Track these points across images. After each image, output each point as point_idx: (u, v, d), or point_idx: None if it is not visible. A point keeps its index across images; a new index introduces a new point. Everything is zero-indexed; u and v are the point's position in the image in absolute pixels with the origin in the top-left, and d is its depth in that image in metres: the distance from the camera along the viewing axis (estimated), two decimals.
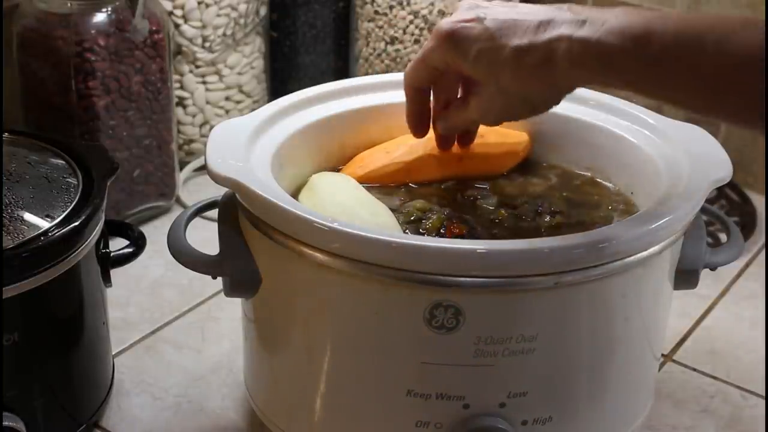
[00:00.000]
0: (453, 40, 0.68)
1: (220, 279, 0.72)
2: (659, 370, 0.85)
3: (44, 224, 0.71)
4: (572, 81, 0.66)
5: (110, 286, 0.79)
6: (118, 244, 0.80)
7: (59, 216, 0.72)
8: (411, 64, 0.73)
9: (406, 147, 0.79)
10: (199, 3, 1.10)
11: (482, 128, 0.80)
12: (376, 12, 1.14)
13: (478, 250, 0.62)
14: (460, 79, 0.74)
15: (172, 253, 0.73)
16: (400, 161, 0.79)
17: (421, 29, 1.13)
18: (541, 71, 0.65)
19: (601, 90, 0.81)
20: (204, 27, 1.11)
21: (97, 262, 0.77)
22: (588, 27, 0.62)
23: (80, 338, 0.76)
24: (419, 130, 0.77)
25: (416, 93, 0.75)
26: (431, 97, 0.76)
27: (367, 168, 0.79)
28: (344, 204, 0.71)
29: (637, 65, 0.61)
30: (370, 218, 0.70)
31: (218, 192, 0.73)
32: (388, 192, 0.78)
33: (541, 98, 0.69)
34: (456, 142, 0.79)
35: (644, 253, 0.65)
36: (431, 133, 0.80)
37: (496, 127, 0.81)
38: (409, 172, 0.79)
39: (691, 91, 0.61)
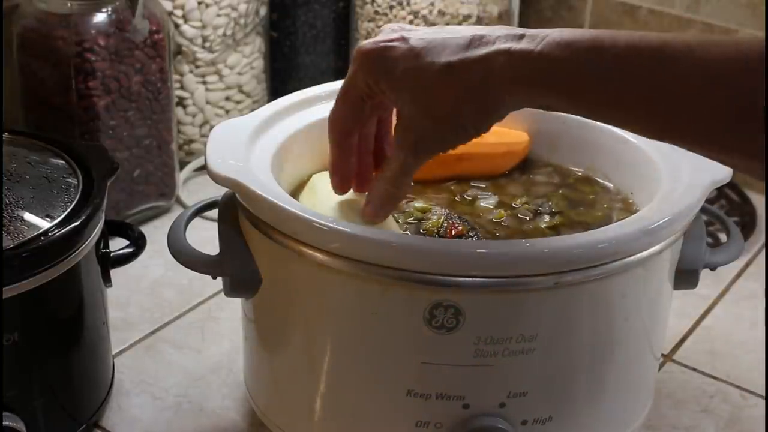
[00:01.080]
0: (375, 59, 0.62)
1: (220, 279, 0.72)
2: (659, 370, 0.85)
3: (44, 224, 0.71)
4: (508, 100, 0.59)
5: (110, 286, 0.79)
6: (118, 244, 0.80)
7: (59, 216, 0.72)
8: (334, 104, 0.67)
9: None
10: (199, 3, 1.10)
11: None
12: (376, 12, 1.15)
13: (478, 250, 0.62)
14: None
15: (172, 253, 0.73)
16: None
17: None
18: (475, 90, 0.59)
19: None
20: (204, 27, 1.11)
21: (97, 262, 0.77)
22: (527, 40, 0.57)
23: (80, 338, 0.76)
24: (342, 187, 0.70)
25: (341, 137, 0.68)
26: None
27: None
28: (343, 205, 0.71)
29: (587, 78, 0.56)
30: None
31: (218, 192, 0.73)
32: None
33: (473, 122, 0.61)
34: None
35: (644, 253, 0.65)
36: None
37: (495, 128, 0.81)
38: None
39: (649, 107, 0.55)
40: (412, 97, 0.61)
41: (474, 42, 0.59)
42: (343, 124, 0.67)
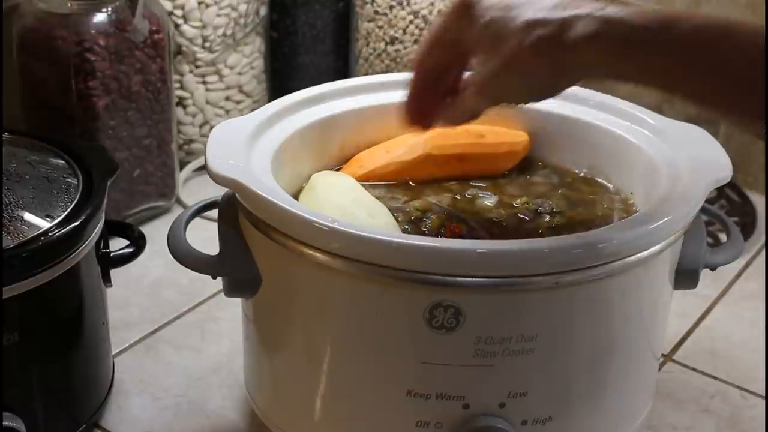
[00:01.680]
0: (468, 4, 0.64)
1: (220, 279, 0.72)
2: (659, 370, 0.85)
3: (44, 224, 0.71)
4: (580, 63, 0.61)
5: (110, 286, 0.79)
6: (118, 244, 0.80)
7: (59, 216, 0.72)
8: (421, 42, 0.70)
9: (406, 146, 0.80)
10: (199, 3, 1.11)
11: (482, 128, 0.80)
12: (376, 12, 1.15)
13: (478, 250, 0.62)
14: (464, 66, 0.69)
15: (172, 253, 0.73)
16: (399, 160, 0.79)
17: (421, 29, 1.13)
18: (548, 46, 0.60)
19: (601, 89, 0.81)
20: (204, 27, 1.11)
21: (97, 262, 0.77)
22: (611, 8, 0.59)
23: (80, 338, 0.76)
24: (415, 119, 0.72)
25: (423, 74, 0.70)
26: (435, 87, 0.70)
27: (367, 167, 0.79)
28: (343, 205, 0.71)
29: (659, 47, 0.58)
30: (369, 219, 0.70)
31: (218, 192, 0.73)
32: (388, 192, 0.78)
33: (541, 82, 0.63)
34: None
35: (644, 253, 0.65)
36: (432, 132, 0.80)
37: (496, 128, 0.81)
38: (408, 171, 0.79)
39: (714, 83, 0.58)
40: (490, 45, 0.63)
41: (561, 5, 0.61)
42: (427, 65, 0.69)
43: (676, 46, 0.58)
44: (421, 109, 0.71)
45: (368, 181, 0.77)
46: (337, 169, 0.80)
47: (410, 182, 0.79)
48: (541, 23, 0.61)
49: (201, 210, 0.78)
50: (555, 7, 0.61)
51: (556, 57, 0.61)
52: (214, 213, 0.75)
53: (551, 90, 0.64)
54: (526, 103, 0.67)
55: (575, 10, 0.60)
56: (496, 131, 0.81)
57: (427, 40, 0.69)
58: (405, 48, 1.14)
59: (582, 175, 0.81)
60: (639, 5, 0.60)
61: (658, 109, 0.80)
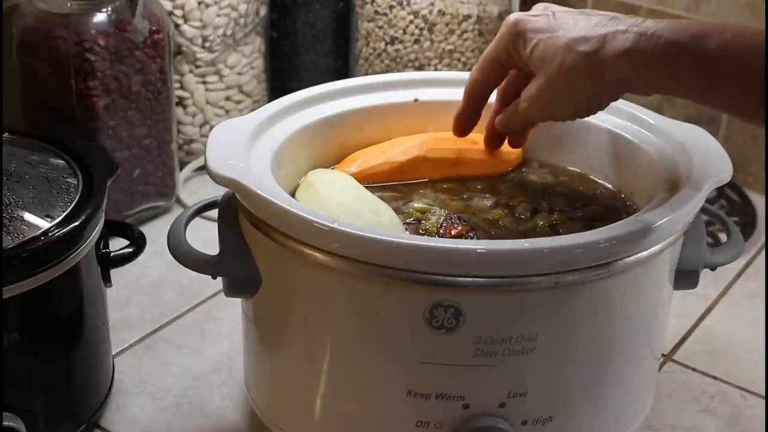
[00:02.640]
0: (518, 28, 0.70)
1: (220, 279, 0.72)
2: (659, 370, 0.85)
3: (44, 224, 0.71)
4: (618, 76, 0.65)
5: (110, 286, 0.79)
6: (118, 244, 0.80)
7: (59, 216, 0.72)
8: (476, 65, 0.75)
9: (402, 147, 0.80)
10: (199, 3, 1.11)
11: (476, 135, 0.80)
12: (376, 12, 1.14)
13: (478, 250, 0.62)
14: (523, 82, 0.74)
15: (172, 253, 0.73)
16: (394, 161, 0.79)
17: (421, 29, 1.13)
18: (589, 60, 0.65)
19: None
20: (204, 27, 1.11)
21: (97, 262, 0.77)
22: (648, 22, 0.64)
23: (80, 338, 0.76)
24: (463, 131, 0.79)
25: (476, 91, 0.76)
26: (493, 98, 0.77)
27: (361, 166, 0.79)
28: (346, 203, 0.71)
29: (689, 60, 0.62)
30: (374, 218, 0.70)
31: (218, 192, 0.73)
32: (386, 192, 0.78)
33: (583, 97, 0.68)
34: (507, 141, 0.80)
35: (644, 253, 0.65)
36: (427, 135, 0.80)
37: None
38: (402, 172, 0.79)
39: (743, 93, 0.61)
40: (538, 64, 0.68)
41: (602, 23, 0.66)
42: (480, 85, 0.76)
43: (706, 59, 0.61)
44: (470, 122, 0.78)
45: (361, 180, 0.77)
46: (332, 168, 0.80)
47: (406, 183, 0.79)
48: (582, 40, 0.65)
49: (201, 210, 0.78)
50: (596, 25, 0.65)
51: (596, 71, 0.65)
52: (214, 213, 0.75)
53: (595, 105, 0.69)
54: (572, 118, 0.71)
55: (614, 27, 0.65)
56: None
57: (481, 59, 0.74)
58: (405, 48, 1.14)
59: (581, 174, 0.81)
60: (675, 20, 0.63)
61: (658, 109, 0.81)
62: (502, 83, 0.76)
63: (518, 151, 0.82)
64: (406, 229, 0.72)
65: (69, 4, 0.97)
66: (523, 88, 0.72)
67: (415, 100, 0.82)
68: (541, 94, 0.69)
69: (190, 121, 1.16)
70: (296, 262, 0.66)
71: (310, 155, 0.79)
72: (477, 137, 0.80)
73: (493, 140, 0.80)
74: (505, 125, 0.76)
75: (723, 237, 0.88)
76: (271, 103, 0.79)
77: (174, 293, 0.97)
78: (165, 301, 0.95)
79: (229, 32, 1.13)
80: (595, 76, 0.66)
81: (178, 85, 1.13)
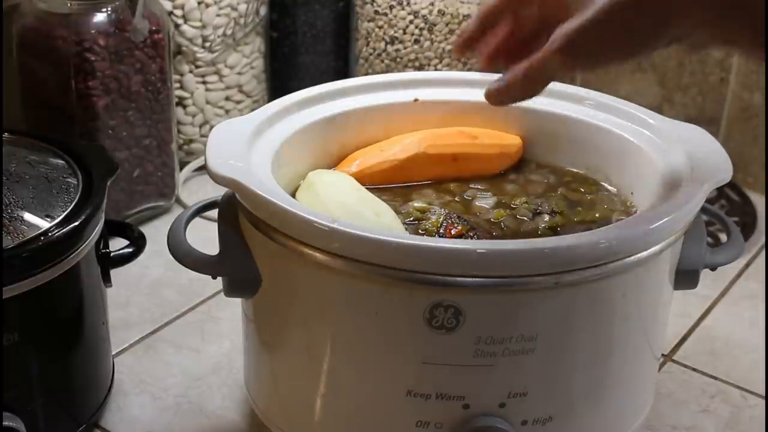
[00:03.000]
0: None
1: (220, 279, 0.72)
2: (659, 370, 0.85)
3: (44, 224, 0.71)
4: (688, 20, 0.56)
5: (110, 286, 0.79)
6: (118, 244, 0.80)
7: (59, 216, 0.72)
8: None
9: (401, 145, 0.80)
10: (199, 3, 1.11)
11: (476, 130, 0.80)
12: (376, 12, 1.15)
13: (478, 250, 0.62)
14: (540, 17, 0.65)
15: (172, 253, 0.73)
16: (393, 159, 0.79)
17: (421, 29, 1.13)
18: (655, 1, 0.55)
19: (602, 89, 0.81)
20: (204, 27, 1.11)
21: (97, 262, 0.77)
22: None
23: (80, 338, 0.76)
24: (462, 51, 0.68)
25: (489, 15, 0.66)
26: (501, 32, 0.67)
27: (361, 165, 0.79)
28: (347, 203, 0.71)
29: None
30: (375, 218, 0.70)
31: (218, 192, 0.73)
32: (386, 192, 0.78)
33: (640, 37, 0.57)
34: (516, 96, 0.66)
35: (644, 253, 0.65)
36: (425, 132, 0.80)
37: (490, 130, 0.81)
38: (402, 170, 0.79)
39: None
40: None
41: None
42: (496, 11, 0.66)
43: None
44: (473, 43, 0.67)
45: (361, 179, 0.77)
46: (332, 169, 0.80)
47: (404, 182, 0.79)
48: None
49: (201, 210, 0.78)
50: None
51: (663, 11, 0.56)
52: (214, 213, 0.75)
53: (647, 48, 0.58)
54: (618, 62, 0.60)
55: None
56: (489, 134, 0.81)
57: None
58: (405, 48, 1.14)
59: (581, 174, 0.81)
60: None
61: (658, 109, 0.80)
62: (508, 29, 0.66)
63: (518, 145, 0.82)
64: (406, 228, 0.72)
65: (69, 4, 0.97)
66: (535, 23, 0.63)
67: (415, 100, 0.82)
68: (587, 31, 0.57)
69: (190, 121, 1.16)
70: (296, 262, 0.66)
71: (310, 155, 0.79)
72: (476, 133, 0.80)
73: (494, 64, 0.68)
74: (521, 84, 0.62)
75: (723, 237, 0.88)
76: (271, 103, 0.79)
77: (174, 293, 0.97)
78: (165, 301, 0.95)
79: (229, 32, 1.13)
80: (662, 17, 0.56)
81: (178, 85, 1.13)
